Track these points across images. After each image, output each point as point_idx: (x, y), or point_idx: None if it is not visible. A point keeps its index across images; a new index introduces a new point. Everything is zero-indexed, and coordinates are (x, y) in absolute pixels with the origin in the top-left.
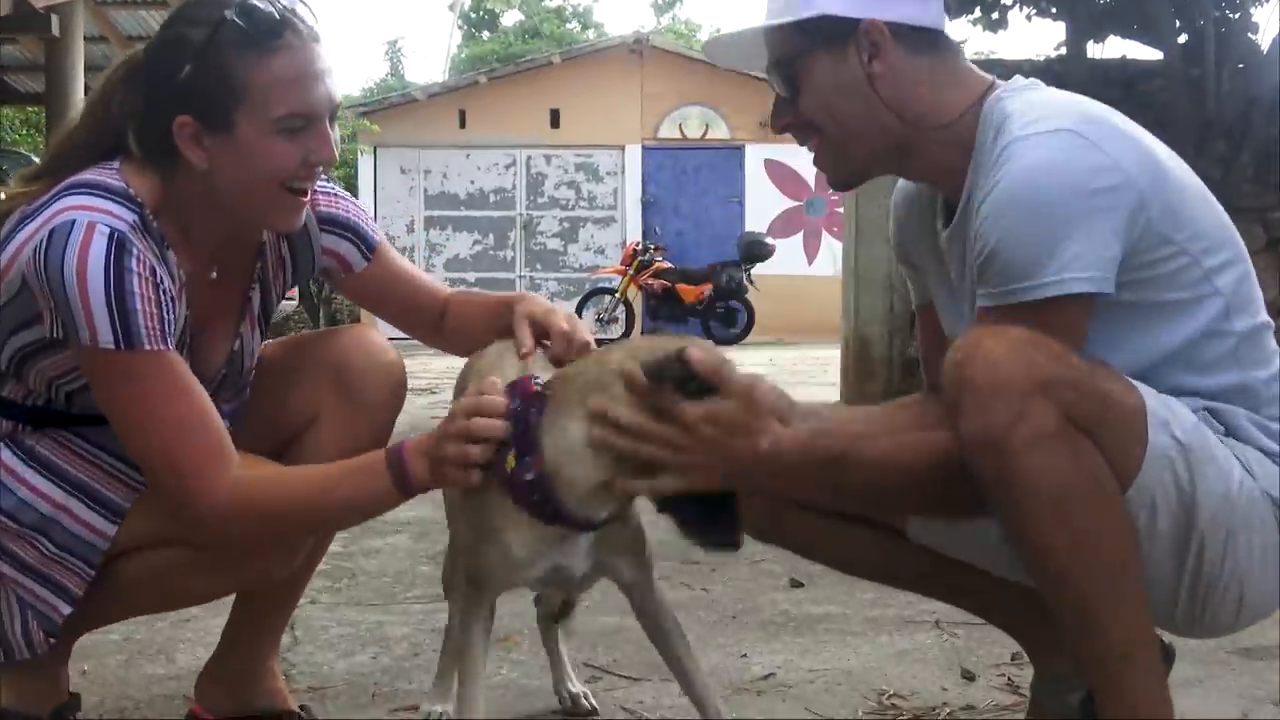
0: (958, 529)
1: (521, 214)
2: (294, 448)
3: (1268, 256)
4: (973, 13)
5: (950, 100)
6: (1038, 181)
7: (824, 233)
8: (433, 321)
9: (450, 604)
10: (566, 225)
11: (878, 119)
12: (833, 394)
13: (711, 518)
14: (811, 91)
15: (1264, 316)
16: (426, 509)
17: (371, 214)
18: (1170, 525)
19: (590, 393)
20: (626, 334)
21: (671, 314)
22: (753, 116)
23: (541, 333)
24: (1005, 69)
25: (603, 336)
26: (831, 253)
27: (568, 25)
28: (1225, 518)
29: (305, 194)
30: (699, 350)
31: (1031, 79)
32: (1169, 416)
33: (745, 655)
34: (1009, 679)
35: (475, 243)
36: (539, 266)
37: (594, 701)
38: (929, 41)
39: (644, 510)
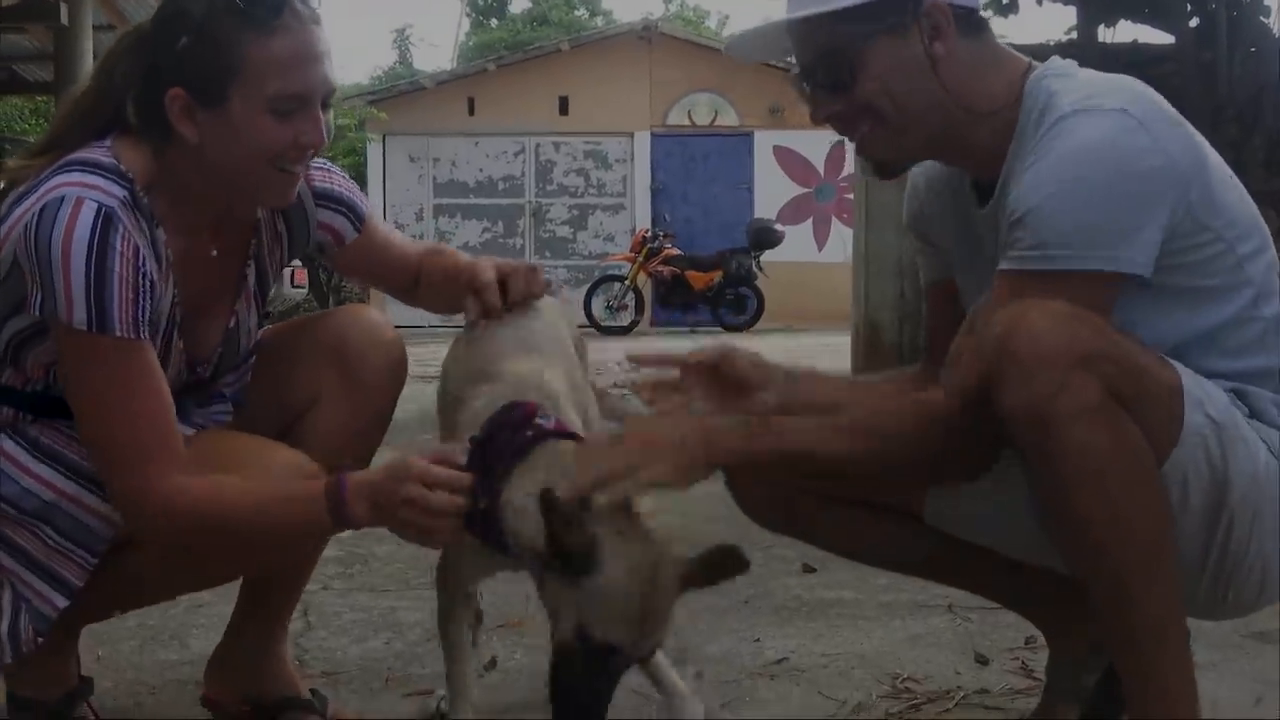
0: (976, 512)
1: (530, 201)
2: (297, 428)
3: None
4: None
5: (995, 83)
6: (1089, 158)
7: (833, 219)
8: (408, 285)
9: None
10: (576, 212)
11: (938, 101)
12: None
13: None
14: (873, 77)
15: None
16: None
17: (380, 203)
18: (1202, 502)
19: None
20: (636, 321)
21: (681, 301)
22: (762, 103)
23: (503, 283)
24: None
25: (612, 324)
26: (841, 239)
27: (576, 12)
28: (1253, 497)
29: (296, 175)
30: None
31: (1069, 60)
32: (1203, 396)
33: (758, 640)
34: (1023, 663)
35: (484, 230)
36: (548, 254)
37: None
38: (975, 23)
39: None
